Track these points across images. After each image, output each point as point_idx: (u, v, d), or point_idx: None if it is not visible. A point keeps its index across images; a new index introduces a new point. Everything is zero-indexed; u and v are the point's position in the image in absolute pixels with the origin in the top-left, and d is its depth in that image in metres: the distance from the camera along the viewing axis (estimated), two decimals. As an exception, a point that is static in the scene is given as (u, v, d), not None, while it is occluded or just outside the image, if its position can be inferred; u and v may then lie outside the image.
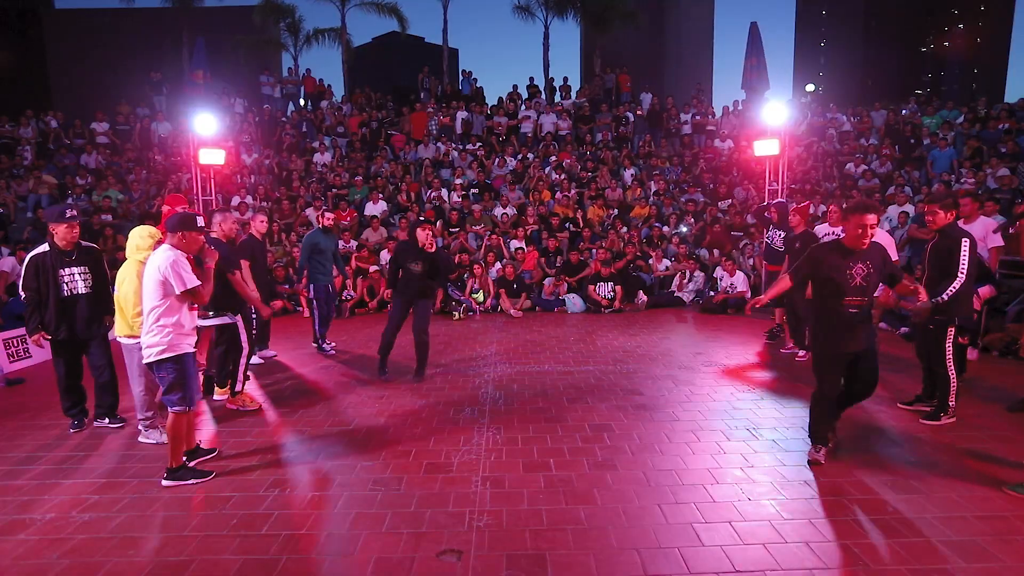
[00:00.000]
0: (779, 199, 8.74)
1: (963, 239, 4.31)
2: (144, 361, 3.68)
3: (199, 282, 3.60)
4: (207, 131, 9.55)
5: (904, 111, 15.36)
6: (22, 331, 7.13)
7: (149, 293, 3.57)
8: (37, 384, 6.18)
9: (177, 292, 3.53)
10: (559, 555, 2.84)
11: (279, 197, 12.87)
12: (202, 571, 2.79)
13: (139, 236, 4.31)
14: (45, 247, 4.52)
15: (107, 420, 4.73)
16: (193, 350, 3.75)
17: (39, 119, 15.58)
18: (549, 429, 4.48)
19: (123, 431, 4.63)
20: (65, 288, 4.51)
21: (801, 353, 6.53)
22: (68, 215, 4.51)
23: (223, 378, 5.18)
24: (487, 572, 2.73)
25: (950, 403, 4.46)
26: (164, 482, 3.66)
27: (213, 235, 5.15)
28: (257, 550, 2.93)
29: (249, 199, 12.36)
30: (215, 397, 5.23)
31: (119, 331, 4.35)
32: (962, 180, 11.53)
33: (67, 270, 4.53)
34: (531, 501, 3.36)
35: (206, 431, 4.59)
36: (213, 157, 9.68)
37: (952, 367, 4.43)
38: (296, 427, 4.64)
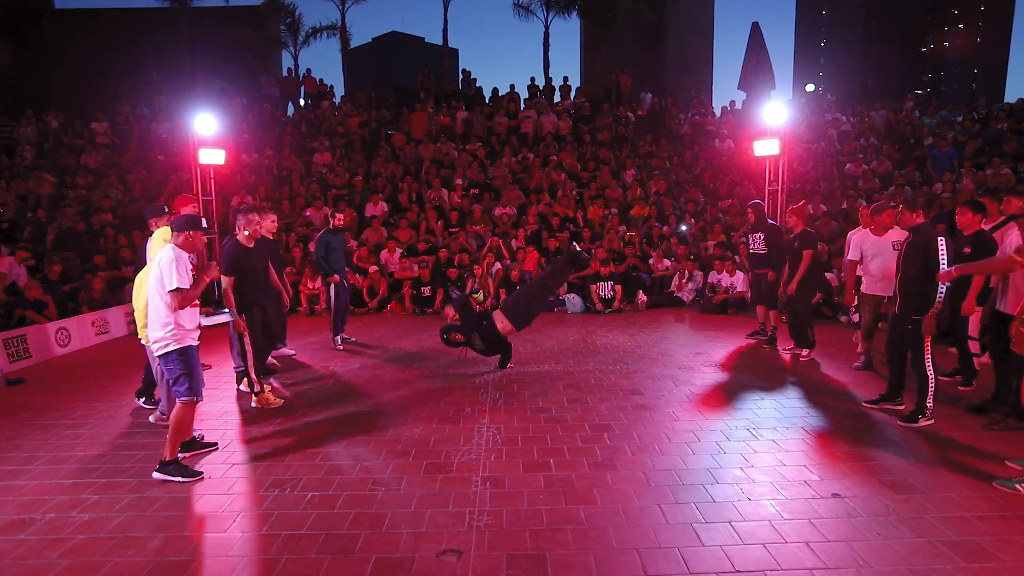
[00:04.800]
0: (755, 200, 8.65)
1: (939, 238, 4.30)
2: (155, 354, 3.79)
3: (187, 286, 3.63)
4: (207, 131, 9.55)
5: (904, 112, 15.36)
6: (23, 331, 7.16)
7: (153, 288, 3.68)
8: (37, 384, 6.18)
9: (166, 288, 3.60)
10: (559, 555, 2.84)
11: (279, 197, 12.87)
12: (202, 571, 2.79)
13: (161, 240, 4.40)
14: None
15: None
16: (197, 343, 3.85)
17: (39, 119, 15.58)
18: (549, 429, 4.48)
19: (121, 431, 4.63)
20: None
21: (804, 352, 6.53)
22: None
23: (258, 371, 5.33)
24: (487, 572, 2.73)
25: (928, 404, 4.44)
26: (155, 474, 3.74)
27: (238, 238, 5.14)
28: (257, 550, 2.94)
29: (249, 199, 12.36)
30: (241, 387, 5.37)
31: (143, 334, 4.36)
32: (961, 180, 11.53)
33: None
34: (531, 501, 3.36)
35: (208, 429, 4.60)
36: (213, 157, 9.68)
37: (930, 367, 4.43)
38: (296, 427, 4.65)
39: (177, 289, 3.59)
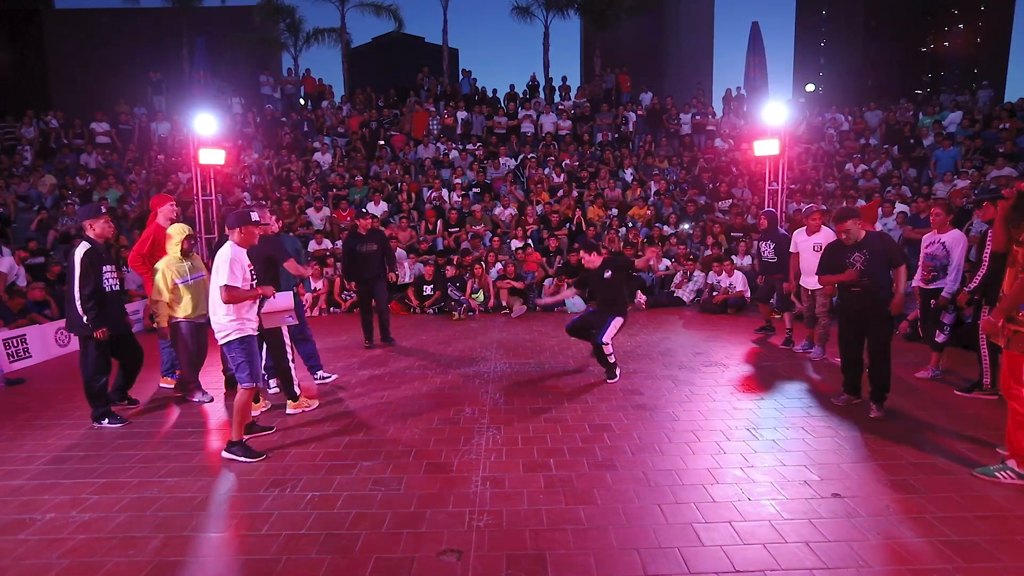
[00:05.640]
0: (768, 208, 8.68)
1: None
2: (219, 343, 4.03)
3: (236, 284, 3.87)
4: (207, 131, 9.55)
5: (897, 112, 15.36)
6: (23, 331, 7.16)
7: (215, 282, 3.91)
8: (37, 384, 6.19)
9: (220, 283, 3.84)
10: (559, 555, 2.84)
11: (279, 197, 12.88)
12: (202, 571, 2.79)
13: (174, 233, 5.13)
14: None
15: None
16: (256, 333, 4.08)
17: (39, 119, 15.59)
18: (549, 429, 4.48)
19: (122, 431, 4.64)
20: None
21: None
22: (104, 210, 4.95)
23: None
24: (487, 572, 2.73)
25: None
26: (224, 453, 4.02)
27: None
28: (257, 550, 2.93)
29: (247, 196, 12.38)
30: (288, 411, 4.97)
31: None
32: (954, 181, 11.51)
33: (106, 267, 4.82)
34: (531, 501, 3.36)
35: (208, 428, 4.60)
36: (213, 157, 9.69)
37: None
38: (296, 427, 4.65)
39: (228, 286, 3.82)
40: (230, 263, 3.85)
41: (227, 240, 4.07)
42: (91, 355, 4.72)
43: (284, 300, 4.62)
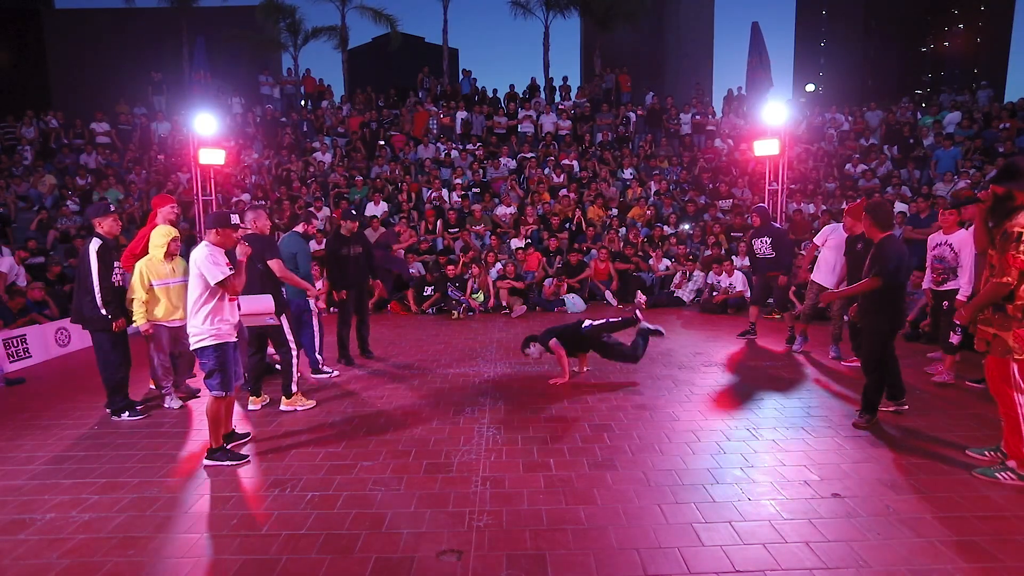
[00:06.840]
0: (759, 204, 8.69)
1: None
2: (192, 347, 3.92)
3: (230, 273, 3.83)
4: (207, 131, 9.56)
5: (897, 112, 15.35)
6: (23, 331, 7.16)
7: (193, 286, 3.84)
8: (37, 384, 6.19)
9: (211, 283, 3.77)
10: (559, 555, 2.84)
11: (279, 197, 12.88)
12: (202, 571, 2.79)
13: (157, 235, 5.04)
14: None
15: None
16: (234, 340, 4.00)
17: (39, 119, 15.60)
18: (549, 429, 4.48)
19: (122, 431, 4.64)
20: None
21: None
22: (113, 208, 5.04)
23: (258, 387, 5.17)
24: (487, 572, 2.73)
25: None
26: (205, 461, 3.93)
27: (249, 231, 5.10)
28: (257, 550, 2.93)
29: (246, 196, 12.39)
30: (249, 407, 5.06)
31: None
32: (955, 180, 11.51)
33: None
34: (531, 501, 3.36)
35: (206, 428, 4.59)
36: (213, 157, 9.69)
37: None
38: (296, 427, 4.65)
39: (222, 280, 3.77)
40: (210, 259, 3.77)
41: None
42: (109, 348, 4.77)
43: (263, 303, 4.61)
